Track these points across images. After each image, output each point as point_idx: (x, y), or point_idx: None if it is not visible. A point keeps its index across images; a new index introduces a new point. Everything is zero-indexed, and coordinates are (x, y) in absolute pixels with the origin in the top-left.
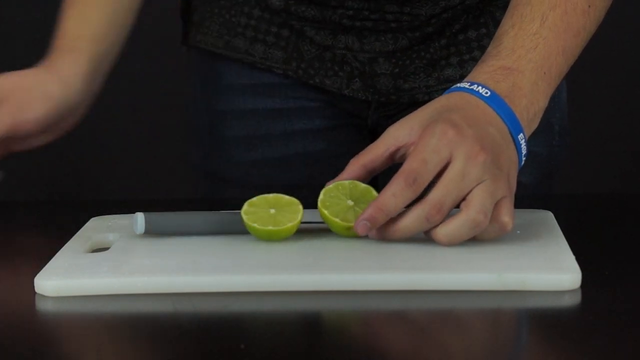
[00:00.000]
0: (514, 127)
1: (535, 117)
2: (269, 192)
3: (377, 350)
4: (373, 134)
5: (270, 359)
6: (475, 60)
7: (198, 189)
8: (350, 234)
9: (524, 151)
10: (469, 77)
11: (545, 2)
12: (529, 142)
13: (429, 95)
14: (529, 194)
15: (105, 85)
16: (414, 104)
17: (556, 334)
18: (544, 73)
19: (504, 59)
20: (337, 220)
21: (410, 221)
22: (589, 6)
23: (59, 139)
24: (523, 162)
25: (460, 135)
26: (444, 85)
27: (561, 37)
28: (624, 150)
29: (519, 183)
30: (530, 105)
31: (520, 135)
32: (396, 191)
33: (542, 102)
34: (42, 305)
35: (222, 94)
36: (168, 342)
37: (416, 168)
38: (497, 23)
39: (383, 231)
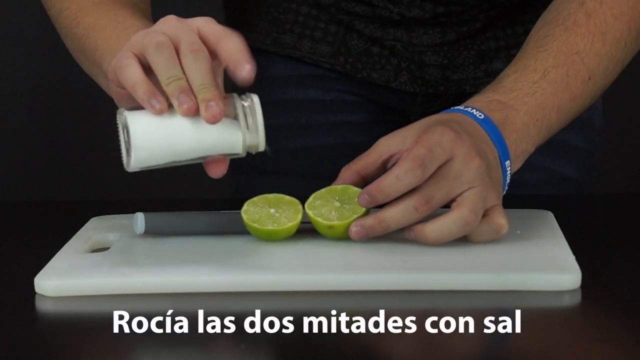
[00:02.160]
0: (503, 152)
1: (521, 155)
2: (306, 182)
3: (376, 350)
4: None
5: (270, 359)
6: None
7: (228, 182)
8: (333, 234)
9: (507, 179)
10: (464, 104)
11: (549, 60)
12: (570, 135)
13: (476, 87)
14: (576, 192)
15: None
16: (461, 96)
17: (556, 334)
18: (537, 120)
19: (501, 95)
20: (319, 219)
21: (398, 210)
22: (589, 78)
23: (59, 139)
24: (505, 192)
25: (459, 138)
26: (491, 77)
27: (558, 95)
28: (624, 150)
29: (568, 178)
30: (519, 142)
31: (507, 163)
32: (400, 174)
33: (529, 146)
34: (42, 305)
35: (264, 86)
36: (168, 342)
37: (423, 154)
38: None
39: (368, 226)
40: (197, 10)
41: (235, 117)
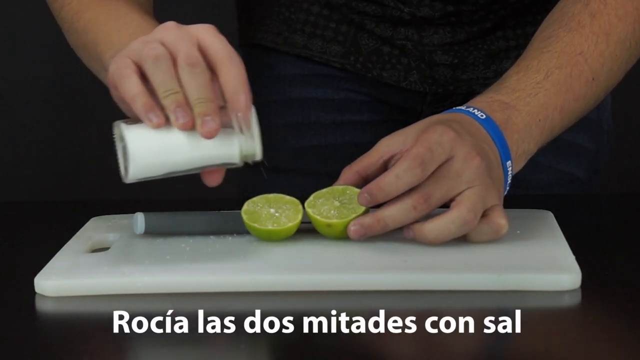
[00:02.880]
0: (504, 153)
1: (523, 156)
2: (313, 180)
3: (376, 350)
4: None
5: (270, 359)
6: None
7: (234, 182)
8: (331, 232)
9: (509, 180)
10: (466, 104)
11: (552, 60)
12: (578, 136)
13: (486, 87)
14: (583, 191)
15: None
16: (470, 96)
17: (556, 334)
18: (539, 120)
19: (503, 95)
20: (317, 217)
21: (397, 209)
22: (593, 79)
23: (60, 139)
24: (506, 192)
25: (459, 138)
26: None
27: (562, 96)
28: (625, 150)
29: (576, 179)
30: (521, 143)
31: (509, 163)
32: (400, 172)
33: (532, 146)
34: (42, 305)
35: (273, 84)
36: (168, 343)
37: (423, 153)
38: None
39: (366, 225)
40: (209, 8)
41: (232, 126)
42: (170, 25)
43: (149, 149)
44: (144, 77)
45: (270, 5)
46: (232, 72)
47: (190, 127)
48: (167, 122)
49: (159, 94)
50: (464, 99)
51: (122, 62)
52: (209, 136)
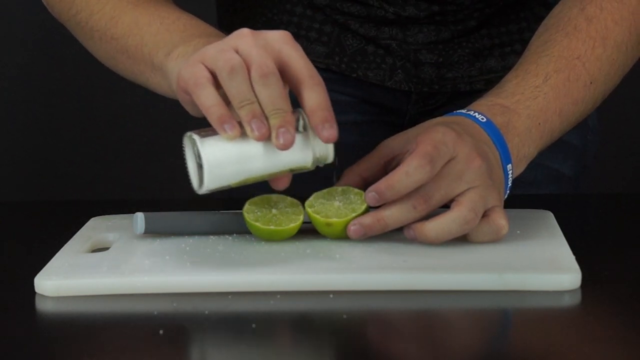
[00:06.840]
0: (505, 156)
1: (524, 159)
2: (300, 182)
3: (376, 350)
4: None
5: (270, 358)
6: (516, 53)
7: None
8: (331, 231)
9: (509, 183)
10: (466, 108)
11: (550, 64)
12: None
13: (471, 85)
14: (572, 189)
15: (106, 85)
16: (455, 95)
17: (556, 334)
18: (539, 124)
19: (503, 99)
20: (317, 216)
21: (396, 209)
22: (591, 83)
23: (59, 139)
24: (507, 195)
25: (460, 138)
26: (486, 76)
27: (560, 100)
28: (623, 150)
29: (564, 176)
30: (521, 146)
31: (509, 166)
32: (410, 170)
33: (532, 149)
34: (42, 305)
35: None
36: (168, 342)
37: (431, 151)
38: (536, 18)
39: (366, 224)
40: (189, 10)
41: (302, 130)
42: (246, 32)
43: (224, 161)
44: (217, 84)
45: (252, 7)
46: (316, 94)
47: (266, 138)
48: (242, 133)
49: (234, 105)
50: (449, 97)
51: (197, 69)
52: (285, 148)
